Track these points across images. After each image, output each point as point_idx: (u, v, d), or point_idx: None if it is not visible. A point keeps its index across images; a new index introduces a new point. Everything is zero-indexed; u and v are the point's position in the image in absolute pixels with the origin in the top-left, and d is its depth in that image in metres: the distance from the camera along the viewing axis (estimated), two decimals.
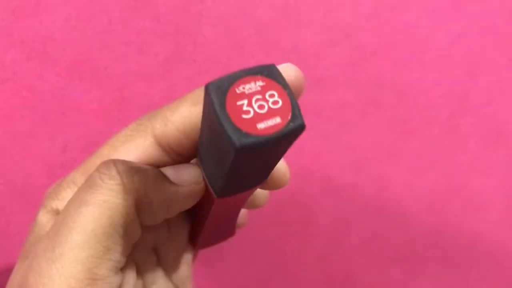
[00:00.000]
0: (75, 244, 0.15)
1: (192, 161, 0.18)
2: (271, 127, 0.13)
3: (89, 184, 0.16)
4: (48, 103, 0.30)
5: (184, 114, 0.17)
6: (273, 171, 0.18)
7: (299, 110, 0.14)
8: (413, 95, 0.35)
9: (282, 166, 0.19)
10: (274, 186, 0.19)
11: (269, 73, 0.14)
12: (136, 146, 0.17)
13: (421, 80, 0.35)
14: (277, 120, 0.13)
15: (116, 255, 0.16)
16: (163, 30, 0.31)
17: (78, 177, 0.18)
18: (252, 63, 0.32)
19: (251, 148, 0.13)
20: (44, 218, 0.17)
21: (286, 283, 0.35)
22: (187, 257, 0.22)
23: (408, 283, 0.37)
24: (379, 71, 0.34)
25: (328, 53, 0.34)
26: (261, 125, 0.13)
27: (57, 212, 0.17)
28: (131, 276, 0.18)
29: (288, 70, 0.16)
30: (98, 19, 0.30)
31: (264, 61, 0.33)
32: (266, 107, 0.13)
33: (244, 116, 0.13)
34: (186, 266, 0.22)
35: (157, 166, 0.17)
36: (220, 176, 0.16)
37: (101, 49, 0.30)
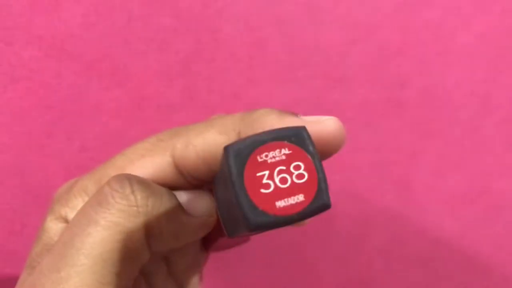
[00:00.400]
0: (81, 268, 0.14)
1: (206, 187, 0.17)
2: (292, 206, 0.12)
3: (99, 201, 0.15)
4: (65, 101, 0.29)
5: (208, 141, 0.15)
6: None
7: (326, 187, 0.12)
8: (435, 95, 0.34)
9: None
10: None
11: (298, 139, 0.12)
12: (152, 162, 0.16)
13: (443, 80, 0.34)
14: (299, 198, 0.12)
15: (123, 280, 0.15)
16: (183, 27, 0.30)
17: (90, 186, 0.17)
18: (273, 61, 0.32)
19: (267, 228, 0.12)
20: (52, 225, 0.17)
21: (305, 285, 0.35)
22: (199, 262, 0.21)
23: (428, 287, 0.36)
24: (402, 70, 0.34)
25: (351, 52, 0.33)
26: (280, 204, 0.12)
27: (66, 220, 0.17)
28: None
29: (330, 126, 0.15)
30: (117, 16, 0.29)
31: (286, 60, 0.32)
32: (289, 181, 0.12)
33: (263, 190, 0.12)
34: (197, 272, 0.21)
35: (171, 186, 0.16)
36: (233, 227, 0.15)
37: (121, 47, 0.29)
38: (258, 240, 0.34)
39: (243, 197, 0.12)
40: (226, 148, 0.12)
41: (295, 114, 0.15)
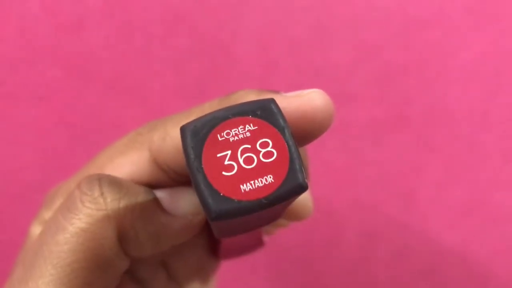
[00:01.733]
0: (48, 279, 0.13)
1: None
2: (260, 189, 0.10)
3: (68, 206, 0.14)
4: (86, 121, 0.30)
5: None
6: (293, 203, 0.14)
7: (300, 165, 0.11)
8: (437, 112, 0.36)
9: (303, 197, 0.16)
10: (294, 219, 0.17)
11: (264, 112, 0.11)
12: (131, 160, 0.15)
13: (445, 97, 0.36)
14: (268, 179, 0.10)
15: None
16: (198, 48, 0.31)
17: (73, 187, 0.15)
18: (283, 80, 0.33)
19: (232, 216, 0.10)
20: (36, 230, 0.16)
21: None
22: (205, 267, 0.19)
23: None
24: (406, 88, 0.35)
25: (357, 71, 0.34)
26: (246, 187, 0.10)
27: None
28: None
29: (315, 99, 0.13)
30: (136, 37, 0.30)
31: (296, 78, 0.33)
32: (256, 161, 0.10)
33: (225, 173, 0.10)
34: (204, 277, 0.19)
35: (152, 184, 0.15)
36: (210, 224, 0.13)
37: (139, 66, 0.30)
38: (266, 253, 0.35)
39: (202, 182, 0.10)
40: (182, 129, 0.11)
41: (275, 91, 0.14)
